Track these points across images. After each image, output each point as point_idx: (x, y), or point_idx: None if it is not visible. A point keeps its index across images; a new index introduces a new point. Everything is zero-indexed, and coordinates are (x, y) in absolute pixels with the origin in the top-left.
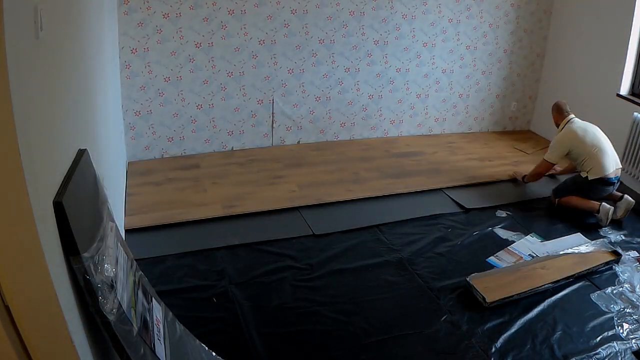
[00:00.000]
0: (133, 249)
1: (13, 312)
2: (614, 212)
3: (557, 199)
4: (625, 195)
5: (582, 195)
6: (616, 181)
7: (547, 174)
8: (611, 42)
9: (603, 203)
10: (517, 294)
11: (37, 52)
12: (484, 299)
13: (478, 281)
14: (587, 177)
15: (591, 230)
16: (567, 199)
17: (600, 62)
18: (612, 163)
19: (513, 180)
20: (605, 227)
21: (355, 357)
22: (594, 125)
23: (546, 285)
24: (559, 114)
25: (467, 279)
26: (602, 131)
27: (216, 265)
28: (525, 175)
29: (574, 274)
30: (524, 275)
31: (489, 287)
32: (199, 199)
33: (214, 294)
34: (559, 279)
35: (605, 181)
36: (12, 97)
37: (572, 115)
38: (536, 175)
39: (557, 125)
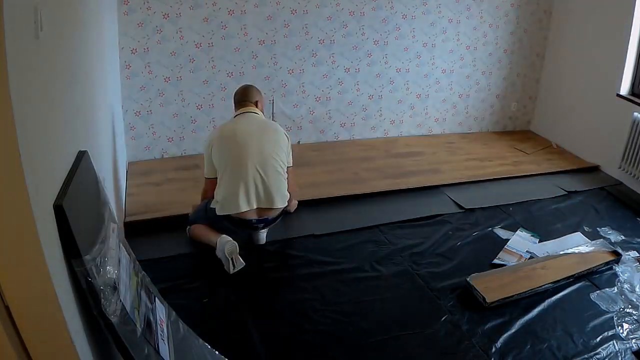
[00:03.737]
0: (132, 250)
1: (13, 312)
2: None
3: (188, 228)
4: (222, 236)
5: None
6: (259, 225)
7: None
8: (611, 42)
9: (223, 236)
10: (517, 294)
11: (37, 52)
12: (484, 299)
13: (478, 281)
14: (213, 208)
15: None
16: (194, 228)
17: (600, 62)
18: (252, 197)
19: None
20: (230, 272)
21: (355, 357)
22: (267, 133)
23: (546, 285)
24: (234, 103)
25: (467, 279)
26: (280, 144)
27: (216, 266)
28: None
29: (574, 274)
30: (524, 276)
31: (489, 287)
32: (199, 199)
33: (214, 295)
34: (559, 279)
35: (237, 221)
36: (12, 97)
37: (252, 109)
38: (202, 199)
39: None
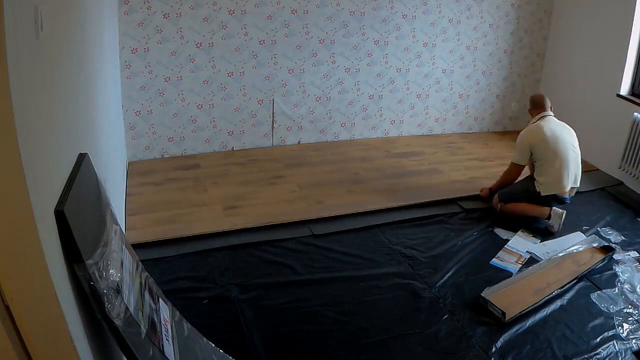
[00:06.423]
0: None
1: (13, 312)
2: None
3: (500, 204)
4: (554, 208)
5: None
6: (568, 201)
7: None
8: (611, 42)
9: (554, 208)
10: (531, 306)
11: (37, 52)
12: (503, 314)
13: (495, 297)
14: (539, 191)
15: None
16: (512, 205)
17: (600, 62)
18: (571, 180)
19: (484, 197)
20: (556, 232)
21: (355, 357)
22: (570, 131)
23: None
24: (534, 107)
25: (483, 294)
26: (577, 140)
27: (216, 266)
28: (491, 187)
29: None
30: (538, 289)
31: (505, 303)
32: (199, 199)
33: (214, 294)
34: (564, 284)
35: (558, 199)
36: (12, 98)
37: (550, 113)
38: (504, 182)
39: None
